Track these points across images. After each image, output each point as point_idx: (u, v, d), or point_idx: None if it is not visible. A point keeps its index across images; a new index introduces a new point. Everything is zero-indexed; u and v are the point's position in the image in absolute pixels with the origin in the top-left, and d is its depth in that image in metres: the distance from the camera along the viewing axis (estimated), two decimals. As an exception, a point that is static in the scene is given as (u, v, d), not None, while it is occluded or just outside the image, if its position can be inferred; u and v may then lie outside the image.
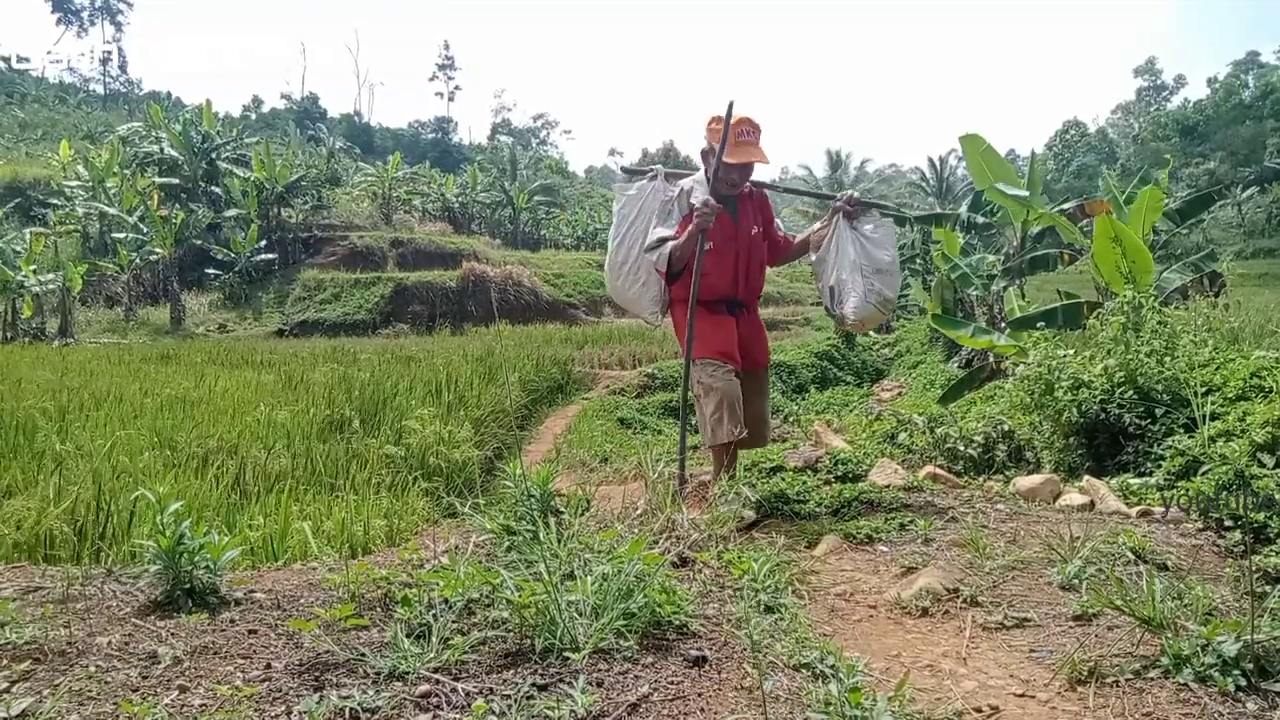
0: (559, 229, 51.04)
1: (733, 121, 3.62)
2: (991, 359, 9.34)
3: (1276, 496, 2.76)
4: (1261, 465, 3.63)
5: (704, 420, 3.93)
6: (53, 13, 76.21)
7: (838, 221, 3.91)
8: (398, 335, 25.83)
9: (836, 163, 53.48)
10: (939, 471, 4.14)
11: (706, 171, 3.82)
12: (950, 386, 9.34)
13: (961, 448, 5.03)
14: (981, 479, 4.49)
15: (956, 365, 13.88)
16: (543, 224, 49.49)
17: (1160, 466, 4.08)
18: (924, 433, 5.32)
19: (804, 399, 16.18)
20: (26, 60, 73.98)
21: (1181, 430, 4.45)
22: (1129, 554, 2.51)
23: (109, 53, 77.80)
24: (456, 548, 2.42)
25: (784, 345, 20.95)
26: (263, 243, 30.30)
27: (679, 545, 2.38)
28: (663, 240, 3.82)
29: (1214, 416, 4.28)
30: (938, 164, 52.03)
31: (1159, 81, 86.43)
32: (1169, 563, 2.52)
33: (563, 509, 2.74)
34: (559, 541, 2.26)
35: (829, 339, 22.90)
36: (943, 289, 13.13)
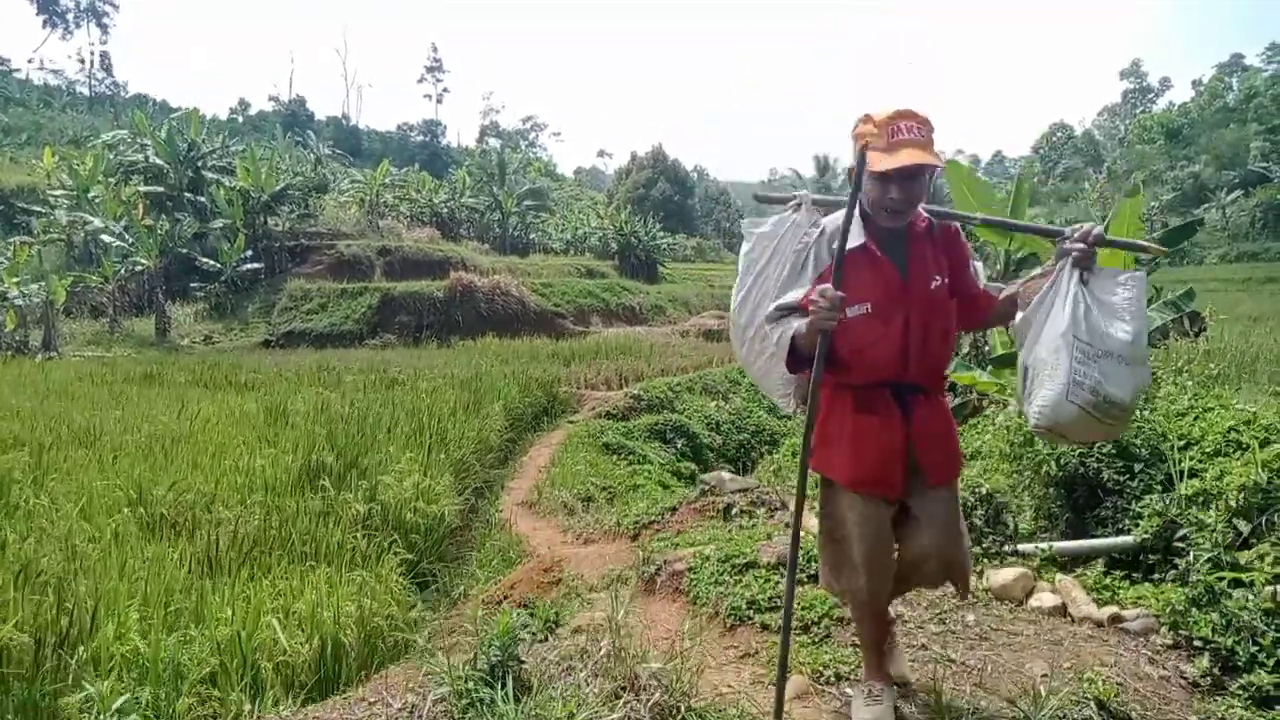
0: (548, 233, 51.02)
1: (885, 116, 2.52)
2: (974, 395, 9.33)
3: (1244, 618, 2.75)
4: (1237, 532, 3.65)
5: (823, 566, 2.83)
6: (38, 14, 75.64)
7: (1062, 270, 2.56)
8: (384, 346, 25.74)
9: (824, 168, 53.54)
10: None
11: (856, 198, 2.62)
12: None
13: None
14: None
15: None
16: (531, 228, 49.42)
17: (1138, 525, 4.11)
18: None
19: (788, 422, 16.20)
20: (9, 62, 73.45)
21: (1159, 487, 4.47)
22: (1093, 705, 2.48)
23: (102, 55, 77.37)
24: (413, 708, 2.38)
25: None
26: (249, 252, 30.13)
27: (641, 705, 2.34)
28: (784, 312, 2.68)
29: (1192, 473, 4.30)
30: (926, 168, 52.13)
31: (1144, 84, 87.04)
32: (1133, 714, 2.49)
33: (531, 632, 2.70)
34: (516, 706, 2.22)
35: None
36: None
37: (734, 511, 5.01)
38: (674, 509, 5.26)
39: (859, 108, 2.70)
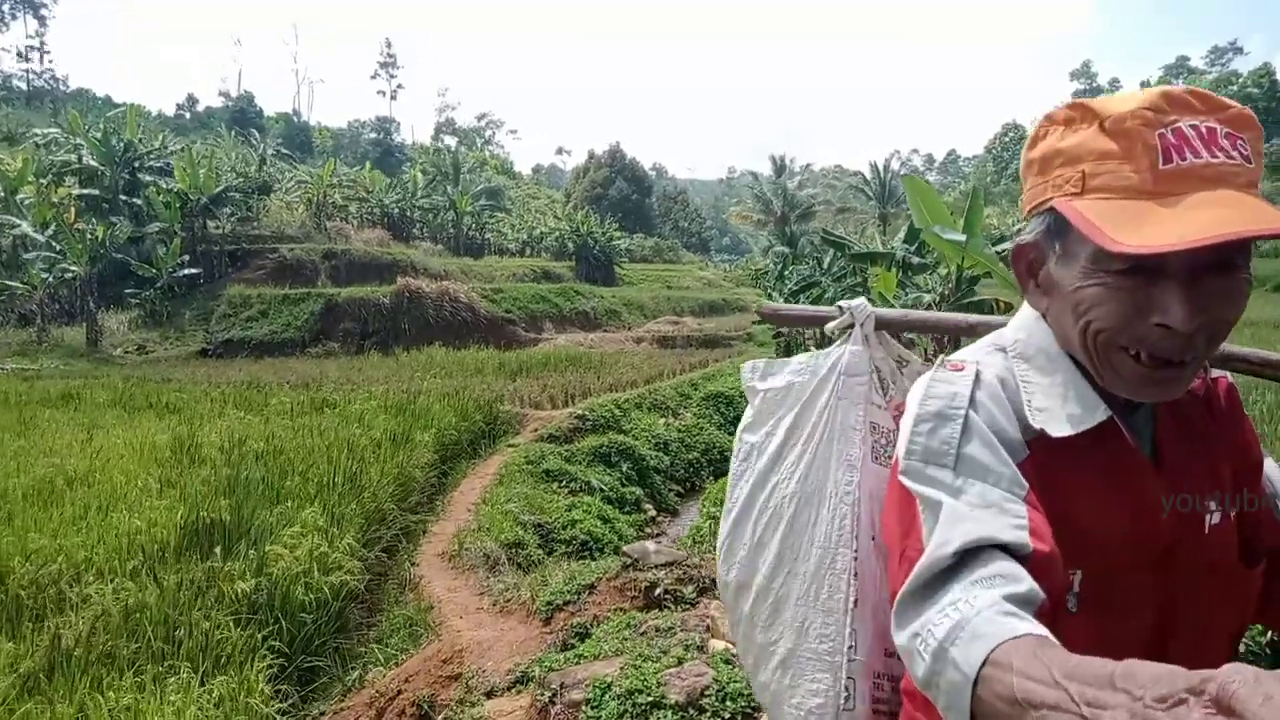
0: (503, 233, 50.14)
1: (1142, 102, 0.89)
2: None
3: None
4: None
5: None
6: (-30, 5, 72.91)
7: None
8: (326, 355, 24.90)
9: (780, 168, 53.36)
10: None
11: (1042, 304, 1.02)
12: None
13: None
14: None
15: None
16: (487, 228, 48.53)
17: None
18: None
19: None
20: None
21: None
22: None
23: (32, 47, 74.67)
24: None
25: (723, 369, 20.53)
26: (186, 257, 29.00)
27: None
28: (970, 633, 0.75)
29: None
30: (880, 169, 52.33)
31: (1095, 85, 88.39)
32: None
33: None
34: None
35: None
36: (879, 328, 12.77)
37: (658, 592, 4.50)
38: (592, 586, 4.73)
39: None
